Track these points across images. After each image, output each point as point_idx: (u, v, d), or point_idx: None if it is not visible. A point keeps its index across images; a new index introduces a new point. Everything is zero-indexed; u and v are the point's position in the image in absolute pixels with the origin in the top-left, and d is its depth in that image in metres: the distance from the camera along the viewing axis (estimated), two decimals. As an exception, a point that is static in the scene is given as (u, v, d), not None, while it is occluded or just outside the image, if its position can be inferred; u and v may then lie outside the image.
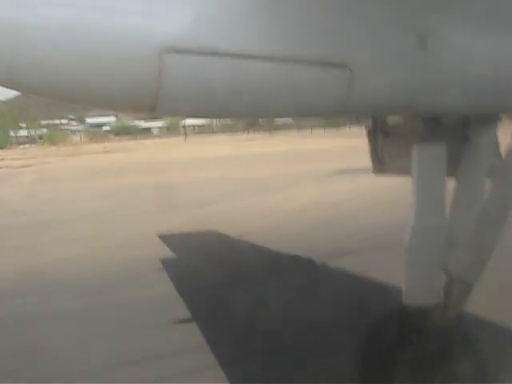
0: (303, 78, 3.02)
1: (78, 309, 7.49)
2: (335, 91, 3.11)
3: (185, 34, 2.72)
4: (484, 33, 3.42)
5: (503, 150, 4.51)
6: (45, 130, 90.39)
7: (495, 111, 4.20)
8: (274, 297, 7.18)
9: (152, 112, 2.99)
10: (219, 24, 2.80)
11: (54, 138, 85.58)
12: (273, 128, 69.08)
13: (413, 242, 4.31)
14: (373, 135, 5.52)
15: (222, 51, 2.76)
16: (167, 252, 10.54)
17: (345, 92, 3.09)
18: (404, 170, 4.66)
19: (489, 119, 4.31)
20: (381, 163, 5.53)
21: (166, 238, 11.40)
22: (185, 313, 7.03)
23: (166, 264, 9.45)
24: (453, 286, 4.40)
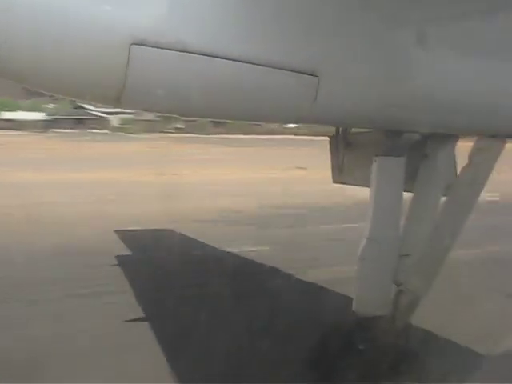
0: (272, 83, 3.02)
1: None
2: (303, 99, 3.13)
3: (155, 28, 2.67)
4: (455, 58, 3.51)
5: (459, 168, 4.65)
6: None
7: (457, 131, 4.31)
8: (221, 293, 7.24)
9: (116, 104, 2.93)
10: (192, 21, 2.76)
11: None
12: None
13: (366, 252, 4.38)
14: (335, 144, 5.59)
15: (192, 49, 2.73)
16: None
17: (312, 100, 3.11)
18: (363, 181, 4.74)
19: (448, 138, 4.43)
20: (341, 172, 5.60)
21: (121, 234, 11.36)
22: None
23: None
24: (401, 297, 4.50)
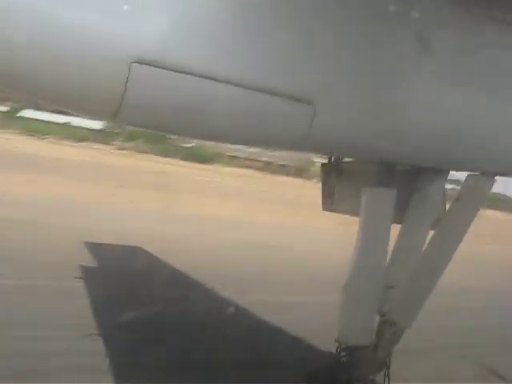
0: (267, 108, 3.06)
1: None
2: (297, 126, 3.17)
3: (156, 47, 2.73)
4: (449, 94, 3.56)
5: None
6: None
7: (448, 167, 4.36)
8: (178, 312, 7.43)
9: (112, 120, 2.97)
10: (192, 42, 2.81)
11: None
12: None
13: (352, 280, 4.39)
14: (327, 172, 5.62)
15: (190, 70, 2.78)
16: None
17: (306, 128, 3.15)
18: (353, 210, 4.76)
19: (439, 172, 4.48)
20: (331, 201, 5.62)
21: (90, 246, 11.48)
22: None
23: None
24: (385, 328, 4.49)
